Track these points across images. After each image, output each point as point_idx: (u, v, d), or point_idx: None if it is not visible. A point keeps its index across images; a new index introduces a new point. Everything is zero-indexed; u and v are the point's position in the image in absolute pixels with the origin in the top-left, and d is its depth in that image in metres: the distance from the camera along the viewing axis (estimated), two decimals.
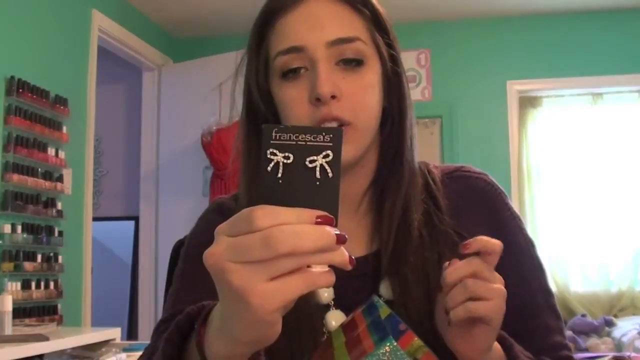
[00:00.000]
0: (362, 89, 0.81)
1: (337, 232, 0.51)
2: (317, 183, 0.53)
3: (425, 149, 4.42)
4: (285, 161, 0.53)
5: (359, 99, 0.80)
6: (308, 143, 0.53)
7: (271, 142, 0.53)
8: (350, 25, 0.81)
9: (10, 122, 2.91)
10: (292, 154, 0.53)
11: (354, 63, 0.81)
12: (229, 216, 0.90)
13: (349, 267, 0.52)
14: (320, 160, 0.53)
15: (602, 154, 4.40)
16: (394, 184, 0.85)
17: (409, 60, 4.48)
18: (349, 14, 0.82)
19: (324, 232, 0.50)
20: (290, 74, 0.81)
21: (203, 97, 4.00)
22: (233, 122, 3.87)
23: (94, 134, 3.66)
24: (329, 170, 0.53)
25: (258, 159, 0.84)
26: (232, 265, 0.50)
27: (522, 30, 4.50)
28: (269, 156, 0.53)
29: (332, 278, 0.52)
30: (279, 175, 0.53)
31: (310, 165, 0.53)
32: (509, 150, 4.45)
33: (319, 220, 0.50)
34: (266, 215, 0.50)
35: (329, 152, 0.53)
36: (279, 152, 0.53)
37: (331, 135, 0.53)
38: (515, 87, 4.50)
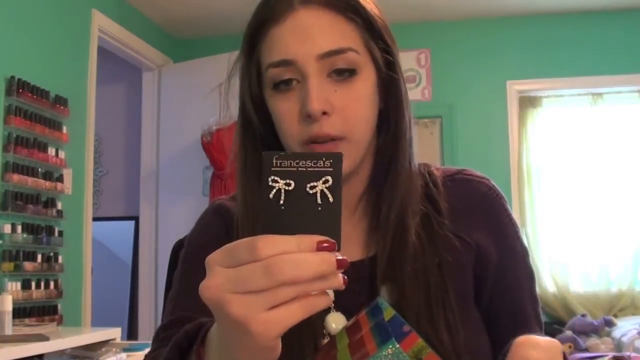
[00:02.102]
0: (354, 101, 0.80)
1: (339, 257, 0.51)
2: (319, 208, 0.54)
3: (425, 149, 4.42)
4: (286, 188, 0.54)
5: (351, 112, 0.79)
6: (308, 169, 0.54)
7: (272, 169, 0.54)
8: (341, 35, 0.79)
9: (11, 122, 2.91)
10: (293, 180, 0.54)
11: (346, 74, 0.79)
12: (227, 218, 0.91)
13: (343, 288, 0.52)
14: (320, 186, 0.54)
15: (602, 154, 4.39)
16: (389, 189, 0.84)
17: (409, 60, 4.48)
18: (340, 23, 0.80)
19: (324, 259, 0.51)
20: (282, 85, 0.80)
21: (203, 97, 3.99)
22: (233, 122, 3.87)
23: (94, 134, 3.66)
24: (329, 195, 0.54)
25: (253, 167, 0.84)
26: (231, 296, 0.51)
27: (522, 30, 4.50)
28: (270, 183, 0.54)
29: (329, 300, 0.52)
30: (281, 202, 0.54)
31: (311, 192, 0.54)
32: (508, 151, 4.45)
33: (322, 245, 0.51)
34: (268, 245, 0.50)
35: (328, 177, 0.54)
36: (280, 179, 0.54)
37: (331, 161, 0.54)
38: (515, 87, 4.50)
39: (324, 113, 0.77)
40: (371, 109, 0.83)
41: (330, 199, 0.54)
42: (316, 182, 0.54)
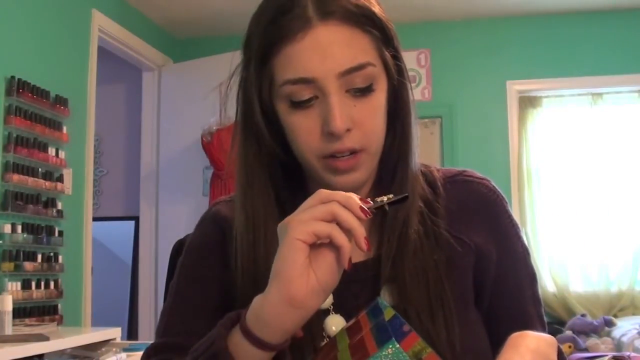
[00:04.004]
0: (372, 114, 0.80)
1: (363, 206, 0.67)
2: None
3: (425, 149, 4.40)
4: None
5: (370, 125, 0.80)
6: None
7: None
8: (360, 50, 0.79)
9: (11, 122, 2.91)
10: None
11: (365, 89, 0.79)
12: (224, 226, 0.91)
13: (364, 246, 0.66)
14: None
15: (602, 154, 4.39)
16: (398, 190, 0.84)
17: (409, 60, 4.44)
18: (358, 37, 0.79)
19: (351, 197, 0.67)
20: (301, 103, 0.79)
21: (203, 97, 3.98)
22: (233, 122, 3.87)
23: (94, 134, 3.66)
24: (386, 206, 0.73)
25: (255, 176, 0.84)
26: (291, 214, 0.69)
27: (522, 30, 4.50)
28: None
29: (346, 244, 0.66)
30: None
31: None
32: (508, 151, 4.45)
33: (361, 203, 0.67)
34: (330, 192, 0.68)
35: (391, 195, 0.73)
36: None
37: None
38: (515, 87, 4.50)
39: (347, 130, 0.78)
40: (385, 117, 0.83)
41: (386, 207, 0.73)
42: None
